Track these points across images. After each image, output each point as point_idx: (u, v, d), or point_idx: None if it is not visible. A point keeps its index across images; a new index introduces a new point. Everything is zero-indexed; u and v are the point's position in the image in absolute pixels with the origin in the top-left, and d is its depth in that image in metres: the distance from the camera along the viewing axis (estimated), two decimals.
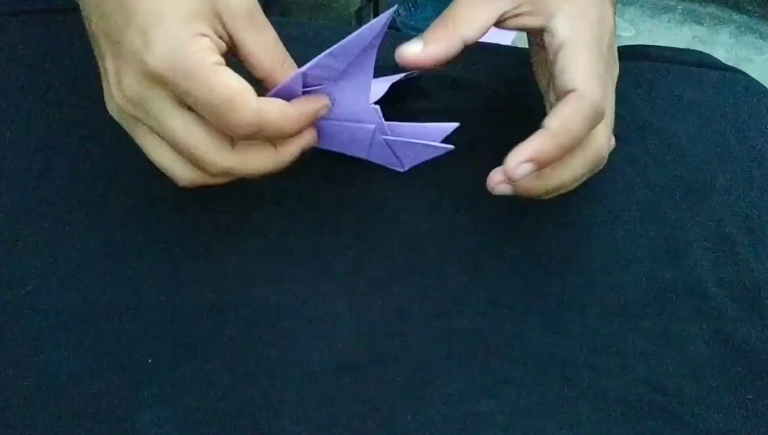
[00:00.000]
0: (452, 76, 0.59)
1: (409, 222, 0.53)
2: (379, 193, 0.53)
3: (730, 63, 0.65)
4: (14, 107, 0.55)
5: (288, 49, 0.46)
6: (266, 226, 0.52)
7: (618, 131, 0.58)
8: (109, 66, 0.43)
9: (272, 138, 0.44)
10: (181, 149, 0.42)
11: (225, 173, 0.44)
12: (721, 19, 1.83)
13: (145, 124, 0.43)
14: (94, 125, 0.54)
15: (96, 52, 0.45)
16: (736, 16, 1.83)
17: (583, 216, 0.54)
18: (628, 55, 0.64)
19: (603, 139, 0.47)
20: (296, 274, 0.50)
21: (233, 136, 0.43)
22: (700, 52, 0.66)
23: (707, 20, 1.83)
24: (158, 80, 0.40)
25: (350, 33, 0.41)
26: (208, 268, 0.50)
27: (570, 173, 0.47)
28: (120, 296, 0.49)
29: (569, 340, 0.50)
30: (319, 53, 0.42)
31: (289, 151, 0.45)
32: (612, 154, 0.56)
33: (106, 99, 0.45)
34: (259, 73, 0.44)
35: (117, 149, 0.53)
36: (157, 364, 0.47)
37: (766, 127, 0.60)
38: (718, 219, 0.55)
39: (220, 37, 0.42)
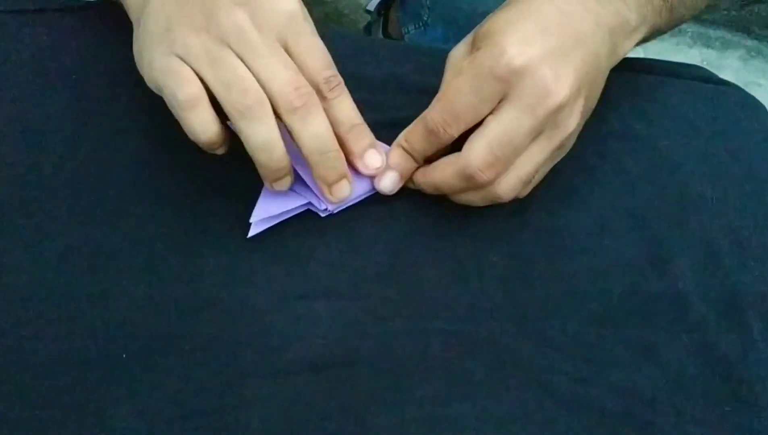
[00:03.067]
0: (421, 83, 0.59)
1: (391, 226, 0.53)
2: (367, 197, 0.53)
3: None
4: (7, 103, 0.55)
5: None
6: (248, 226, 0.51)
7: (609, 142, 0.58)
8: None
9: (340, 110, 0.48)
10: (287, 70, 0.45)
11: (305, 107, 0.46)
12: (731, 43, 1.82)
13: (235, 51, 0.45)
14: (83, 123, 0.54)
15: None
16: (745, 41, 1.83)
17: (568, 224, 0.54)
18: (624, 67, 0.64)
19: (475, 162, 0.47)
20: (276, 274, 0.50)
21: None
22: (696, 66, 0.66)
23: (717, 44, 1.82)
24: (283, 18, 0.46)
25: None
26: (187, 265, 0.50)
27: (439, 178, 0.50)
28: (99, 290, 0.49)
29: (547, 347, 0.49)
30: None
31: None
32: (602, 165, 0.56)
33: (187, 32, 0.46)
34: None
35: (104, 147, 0.53)
36: (132, 358, 0.47)
37: (757, 142, 0.60)
38: (705, 232, 0.55)
39: None
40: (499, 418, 0.47)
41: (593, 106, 0.52)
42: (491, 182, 0.48)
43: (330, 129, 0.47)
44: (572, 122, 0.48)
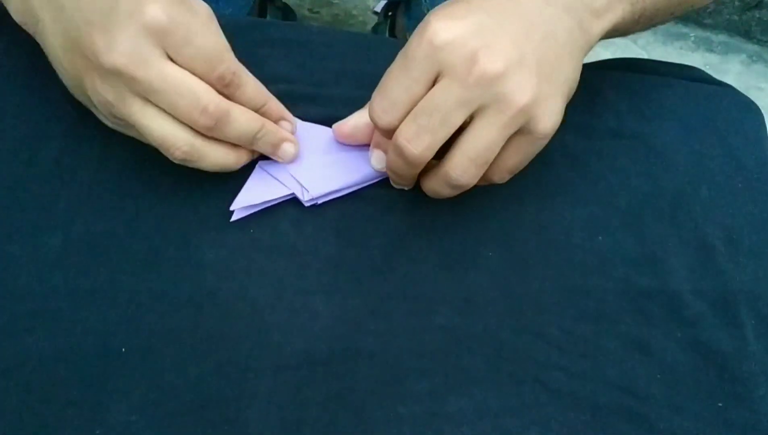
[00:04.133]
0: None
1: (388, 221, 0.53)
2: (360, 192, 0.54)
3: (740, 91, 0.65)
4: (6, 96, 0.56)
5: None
6: (247, 221, 0.52)
7: (605, 140, 0.58)
8: (96, 39, 0.44)
9: (247, 99, 0.49)
10: (181, 95, 0.45)
11: (220, 121, 0.47)
12: (733, 48, 1.83)
13: (137, 94, 0.45)
14: (82, 117, 0.54)
15: (56, 50, 0.47)
16: (747, 45, 1.83)
17: (563, 221, 0.54)
18: (621, 67, 0.65)
19: (400, 133, 0.47)
20: (275, 269, 0.51)
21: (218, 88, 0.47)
22: (692, 67, 0.66)
23: (719, 48, 1.83)
24: (158, 34, 0.44)
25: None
26: (187, 260, 0.51)
27: (426, 184, 0.51)
28: (98, 284, 0.49)
29: (543, 342, 0.50)
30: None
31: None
32: (597, 162, 0.57)
33: (87, 87, 0.46)
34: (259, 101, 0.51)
35: (103, 141, 0.54)
36: (131, 352, 0.47)
37: (751, 142, 0.61)
38: (699, 229, 0.55)
39: None
40: (496, 412, 0.47)
41: (566, 85, 0.49)
42: (420, 156, 0.46)
43: (247, 113, 0.49)
44: (520, 96, 0.45)
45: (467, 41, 0.44)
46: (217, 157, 0.49)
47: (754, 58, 1.82)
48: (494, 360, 0.49)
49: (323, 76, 0.58)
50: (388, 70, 0.47)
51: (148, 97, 0.45)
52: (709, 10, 1.80)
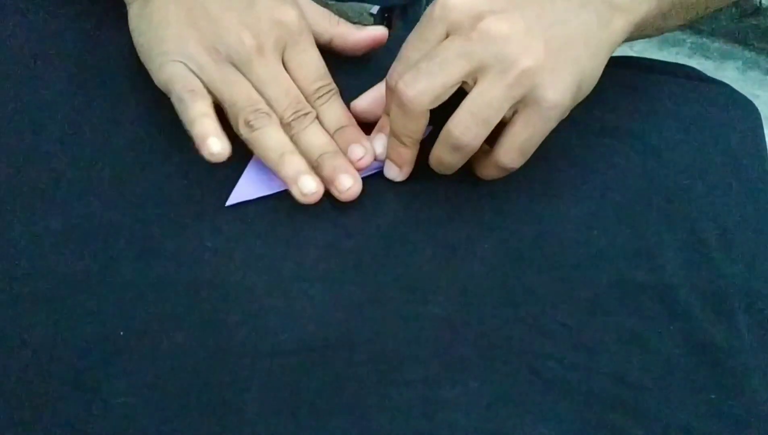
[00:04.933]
0: None
1: (386, 211, 0.54)
2: None
3: None
4: (7, 86, 0.56)
5: None
6: (245, 209, 0.52)
7: (600, 137, 0.59)
8: (229, 21, 0.52)
9: (333, 114, 0.55)
10: (279, 86, 0.53)
11: (298, 115, 0.53)
12: (729, 54, 1.84)
13: (234, 64, 0.53)
14: (82, 106, 0.55)
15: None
16: (743, 52, 1.84)
17: (559, 214, 0.55)
18: (617, 64, 0.65)
19: (398, 79, 0.49)
20: (272, 256, 0.51)
21: None
22: (689, 66, 0.67)
23: (715, 55, 1.84)
24: (286, 33, 0.54)
25: None
26: (185, 247, 0.51)
27: (432, 153, 0.52)
28: (97, 269, 0.50)
29: (537, 333, 0.50)
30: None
31: None
32: (593, 158, 0.57)
33: (190, 48, 0.52)
34: (326, 35, 0.59)
35: (103, 129, 0.54)
36: (129, 336, 0.47)
37: (747, 139, 0.61)
38: (694, 224, 0.56)
39: None
40: (489, 400, 0.47)
41: (574, 68, 0.49)
42: (415, 99, 0.48)
43: (321, 133, 0.54)
44: (524, 59, 0.46)
45: (476, 4, 0.47)
46: (278, 140, 0.52)
47: (749, 64, 1.83)
48: (488, 349, 0.49)
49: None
50: (407, 38, 0.51)
51: (249, 76, 0.52)
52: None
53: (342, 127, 0.54)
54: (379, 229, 0.53)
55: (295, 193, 0.51)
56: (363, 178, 0.54)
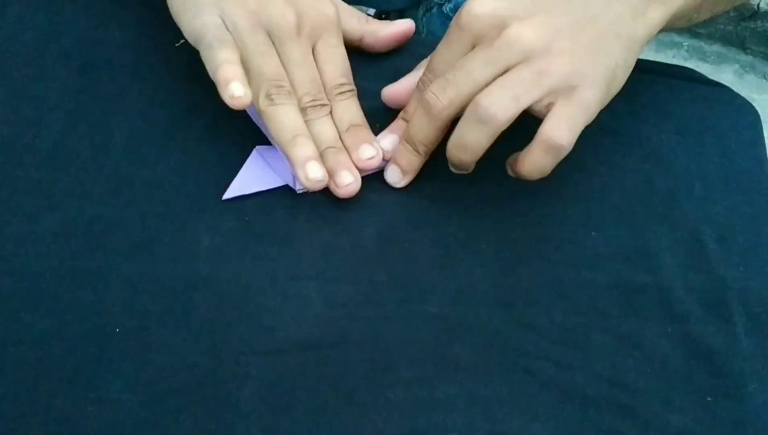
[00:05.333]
0: None
1: (383, 210, 0.54)
2: None
3: None
4: (7, 82, 0.56)
5: None
6: (242, 207, 0.52)
7: (600, 138, 0.59)
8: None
9: (344, 111, 0.55)
10: (308, 70, 0.54)
11: (315, 103, 0.54)
12: (726, 58, 1.84)
13: (268, 33, 0.53)
14: (81, 102, 0.55)
15: None
16: (740, 56, 1.85)
17: (556, 215, 0.55)
18: None
19: (427, 86, 0.51)
20: (268, 254, 0.51)
21: None
22: (688, 68, 0.67)
23: (712, 58, 1.84)
24: (324, 21, 0.55)
25: None
26: (182, 244, 0.51)
27: (412, 120, 0.53)
28: (94, 265, 0.49)
29: (533, 333, 0.50)
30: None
31: None
32: (591, 159, 0.57)
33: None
34: (357, 34, 0.61)
35: (102, 126, 0.54)
36: (125, 333, 0.47)
37: (745, 141, 0.61)
38: (691, 226, 0.56)
39: None
40: (485, 401, 0.47)
41: (606, 59, 0.50)
42: (445, 109, 0.49)
43: (332, 130, 0.54)
44: (553, 61, 0.48)
45: (498, 12, 0.48)
46: (290, 119, 0.52)
47: (747, 68, 1.83)
48: (484, 350, 0.49)
49: None
50: (436, 50, 0.52)
51: (281, 51, 0.53)
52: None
53: (355, 126, 0.55)
54: (376, 229, 0.53)
55: (300, 176, 0.51)
56: (362, 178, 0.54)
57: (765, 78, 1.81)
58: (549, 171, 0.50)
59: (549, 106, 0.48)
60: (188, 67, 0.57)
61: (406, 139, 0.53)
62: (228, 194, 0.52)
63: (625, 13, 0.50)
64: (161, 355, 0.47)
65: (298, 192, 0.53)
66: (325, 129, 0.54)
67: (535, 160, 0.49)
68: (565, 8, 0.49)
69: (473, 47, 0.49)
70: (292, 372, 0.47)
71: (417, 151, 0.53)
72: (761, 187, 0.59)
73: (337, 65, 0.55)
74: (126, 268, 0.50)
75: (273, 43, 0.53)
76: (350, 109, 0.55)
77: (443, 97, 0.49)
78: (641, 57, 0.54)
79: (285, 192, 0.53)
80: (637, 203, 0.56)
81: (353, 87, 0.56)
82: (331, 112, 0.54)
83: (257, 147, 0.54)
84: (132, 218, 0.51)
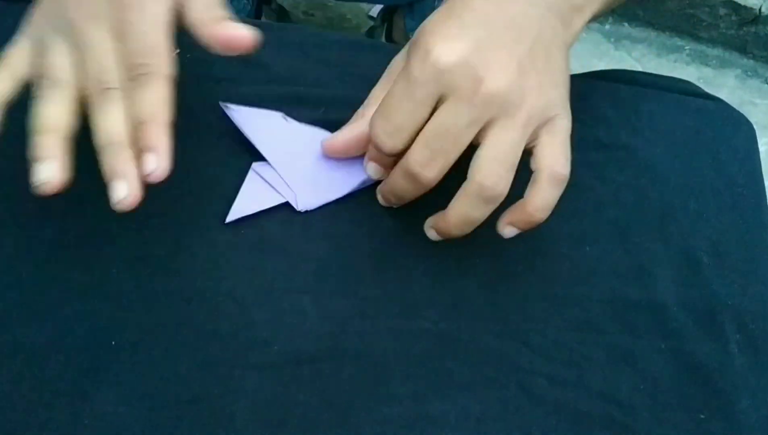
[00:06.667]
0: None
1: (377, 225, 0.54)
2: (350, 195, 0.54)
3: (734, 105, 0.66)
4: None
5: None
6: (237, 221, 0.52)
7: (594, 151, 0.59)
8: None
9: (138, 102, 0.45)
10: (93, 61, 0.45)
11: (102, 98, 0.45)
12: (728, 62, 1.84)
13: (67, 37, 0.46)
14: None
15: None
16: (742, 60, 1.85)
17: (551, 231, 0.55)
18: (614, 77, 0.65)
19: (412, 158, 0.47)
20: (263, 268, 0.51)
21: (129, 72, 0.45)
22: (683, 80, 0.67)
23: (714, 62, 1.84)
24: (116, 6, 0.45)
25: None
26: (177, 257, 0.51)
27: (390, 182, 0.50)
28: (89, 278, 0.50)
29: (527, 349, 0.50)
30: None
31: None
32: (586, 174, 0.57)
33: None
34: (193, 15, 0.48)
35: None
36: (120, 345, 0.48)
37: (740, 156, 0.61)
38: (686, 241, 0.56)
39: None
40: (479, 417, 0.48)
41: (560, 74, 0.50)
42: (435, 179, 0.47)
43: (120, 122, 0.45)
44: (529, 101, 0.46)
45: (469, 61, 0.45)
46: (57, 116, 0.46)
47: (749, 72, 1.83)
48: (478, 365, 0.49)
49: (318, 77, 0.59)
50: (389, 92, 0.47)
51: (72, 45, 0.46)
52: (704, 24, 1.81)
53: (144, 122, 0.44)
54: (370, 244, 0.53)
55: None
56: (355, 192, 0.54)
57: (767, 82, 1.81)
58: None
59: (535, 142, 0.48)
60: (183, 78, 0.57)
61: (383, 194, 0.52)
62: (230, 218, 0.52)
63: (558, 25, 0.50)
64: (156, 369, 0.47)
65: (299, 210, 0.53)
66: (106, 122, 0.45)
67: (546, 197, 0.48)
68: (515, 33, 0.47)
69: (440, 97, 0.46)
70: (287, 386, 0.47)
71: (392, 202, 0.53)
72: (756, 202, 0.59)
73: (134, 42, 0.45)
74: (121, 281, 0.50)
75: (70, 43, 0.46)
76: (144, 98, 0.44)
77: (434, 169, 0.46)
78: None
79: (280, 205, 0.53)
80: (631, 218, 0.57)
81: (157, 68, 0.45)
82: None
83: (254, 164, 0.54)
84: (127, 231, 0.51)
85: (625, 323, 0.52)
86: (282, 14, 1.23)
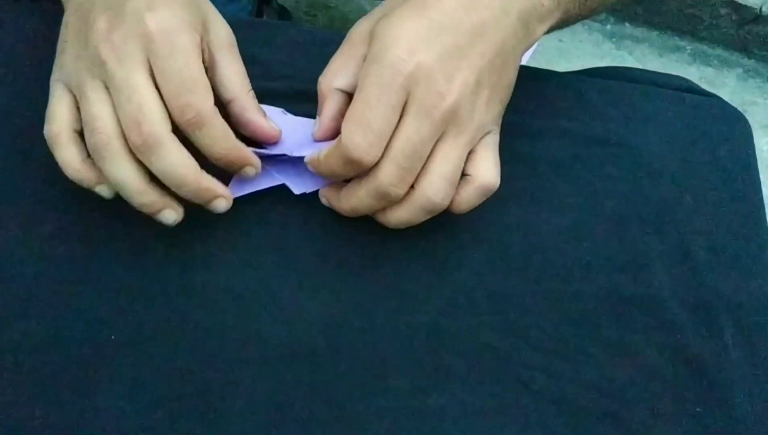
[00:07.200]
0: None
1: (375, 220, 0.54)
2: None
3: (735, 105, 0.66)
4: (3, 91, 0.57)
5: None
6: (236, 216, 0.53)
7: (591, 147, 0.59)
8: (100, 25, 0.46)
9: (204, 145, 0.47)
10: (131, 104, 0.44)
11: (147, 144, 0.45)
12: (729, 62, 1.84)
13: (103, 81, 0.46)
14: None
15: (72, 17, 0.49)
16: (743, 60, 1.84)
17: (548, 225, 0.55)
18: (611, 74, 0.66)
19: (384, 179, 0.47)
20: (263, 264, 0.52)
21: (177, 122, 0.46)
22: (682, 78, 0.67)
23: (715, 62, 1.84)
24: (145, 41, 0.45)
25: None
26: (176, 253, 0.51)
27: (353, 201, 0.50)
28: (88, 274, 0.50)
29: (524, 343, 0.50)
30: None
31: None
32: (583, 169, 0.58)
33: (66, 57, 0.49)
34: (228, 95, 0.50)
35: None
36: (121, 340, 0.48)
37: (737, 152, 0.61)
38: (682, 236, 0.56)
39: (202, 50, 0.47)
40: (476, 410, 0.48)
41: (507, 90, 0.51)
42: (402, 195, 0.48)
43: (182, 158, 0.46)
44: (476, 119, 0.47)
45: (431, 72, 0.45)
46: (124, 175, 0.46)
47: (750, 72, 1.83)
48: (476, 359, 0.50)
49: (317, 74, 0.59)
50: (362, 100, 0.46)
51: (109, 87, 0.45)
52: (705, 24, 1.81)
53: (226, 154, 0.48)
54: (368, 239, 0.53)
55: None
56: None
57: None
58: None
59: (471, 152, 0.49)
60: None
61: (340, 209, 0.52)
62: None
63: (521, 33, 0.50)
64: (156, 363, 0.47)
65: (296, 193, 0.53)
66: (166, 168, 0.46)
67: (472, 203, 0.50)
68: (480, 45, 0.47)
69: (404, 100, 0.46)
70: (285, 380, 0.48)
71: (345, 214, 0.52)
72: (751, 198, 0.59)
73: (173, 82, 0.45)
74: (120, 276, 0.50)
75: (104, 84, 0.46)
76: (204, 141, 0.47)
77: (404, 186, 0.47)
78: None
79: (279, 200, 0.54)
80: (628, 213, 0.57)
81: (199, 108, 0.46)
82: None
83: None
84: (126, 226, 0.52)
85: (622, 317, 0.52)
86: (283, 14, 1.23)
